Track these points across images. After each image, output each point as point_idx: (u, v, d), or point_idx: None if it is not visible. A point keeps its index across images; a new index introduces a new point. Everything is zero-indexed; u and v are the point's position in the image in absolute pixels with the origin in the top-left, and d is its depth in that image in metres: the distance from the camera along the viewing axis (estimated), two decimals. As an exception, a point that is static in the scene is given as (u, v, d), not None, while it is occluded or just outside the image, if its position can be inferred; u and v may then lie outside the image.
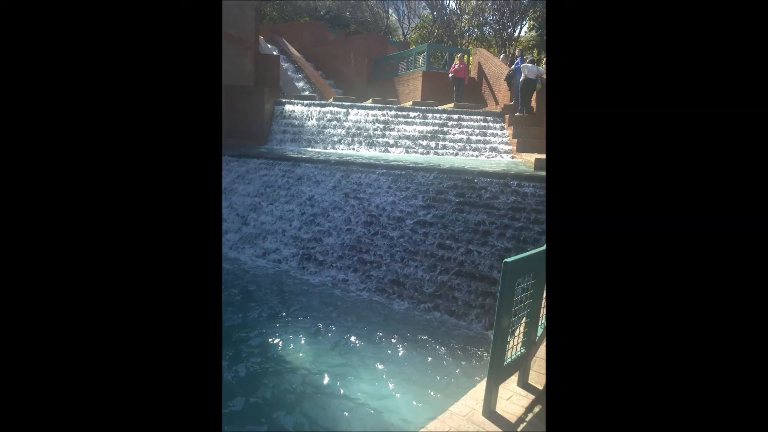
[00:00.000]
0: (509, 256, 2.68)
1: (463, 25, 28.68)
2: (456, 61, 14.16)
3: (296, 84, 17.38)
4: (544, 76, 11.43)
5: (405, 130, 11.96)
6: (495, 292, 6.02)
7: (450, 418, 2.48)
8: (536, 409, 2.65)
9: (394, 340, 5.29)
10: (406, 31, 32.59)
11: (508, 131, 11.75)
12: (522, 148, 11.04)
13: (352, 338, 5.30)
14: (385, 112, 12.40)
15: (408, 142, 11.71)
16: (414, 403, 4.10)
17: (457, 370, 4.72)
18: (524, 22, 26.78)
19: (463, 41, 28.53)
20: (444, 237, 7.14)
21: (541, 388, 2.83)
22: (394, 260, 7.13)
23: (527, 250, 3.03)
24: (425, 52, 17.10)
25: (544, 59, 14.98)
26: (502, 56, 17.61)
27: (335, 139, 12.09)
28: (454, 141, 11.71)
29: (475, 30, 29.02)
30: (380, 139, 11.87)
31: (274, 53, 17.89)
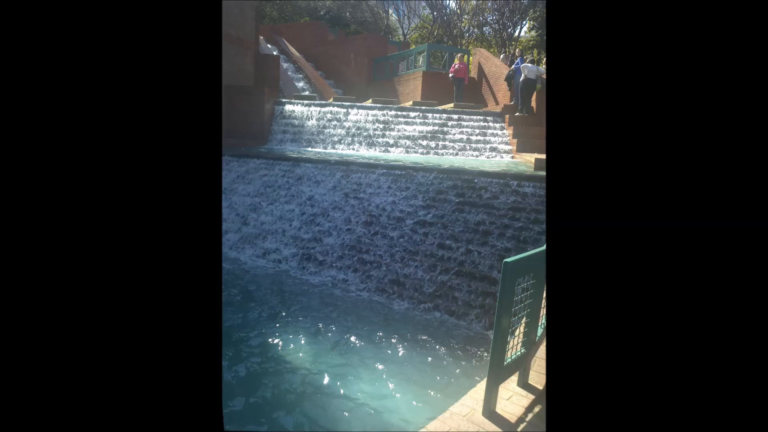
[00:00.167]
0: (509, 256, 2.68)
1: (463, 25, 28.68)
2: (456, 61, 14.16)
3: (296, 84, 17.38)
4: (544, 76, 11.43)
5: (405, 130, 11.96)
6: (495, 292, 6.02)
7: (450, 418, 2.48)
8: (536, 409, 2.65)
9: (394, 340, 5.29)
10: (406, 31, 32.59)
11: (508, 131, 11.75)
12: (522, 148, 11.04)
13: (352, 338, 5.30)
14: (385, 112, 12.39)
15: (408, 142, 11.71)
16: (414, 403, 4.10)
17: (457, 370, 4.72)
18: (524, 22, 26.79)
19: (463, 41, 28.53)
20: (444, 237, 7.14)
21: (541, 388, 2.83)
22: (394, 260, 7.13)
23: (527, 250, 3.03)
24: (425, 52, 17.09)
25: (544, 59, 14.98)
26: (502, 56, 17.60)
27: (335, 139, 12.09)
28: (454, 141, 11.71)
29: (475, 30, 29.02)
30: (380, 139, 11.87)
31: (274, 53, 17.89)
